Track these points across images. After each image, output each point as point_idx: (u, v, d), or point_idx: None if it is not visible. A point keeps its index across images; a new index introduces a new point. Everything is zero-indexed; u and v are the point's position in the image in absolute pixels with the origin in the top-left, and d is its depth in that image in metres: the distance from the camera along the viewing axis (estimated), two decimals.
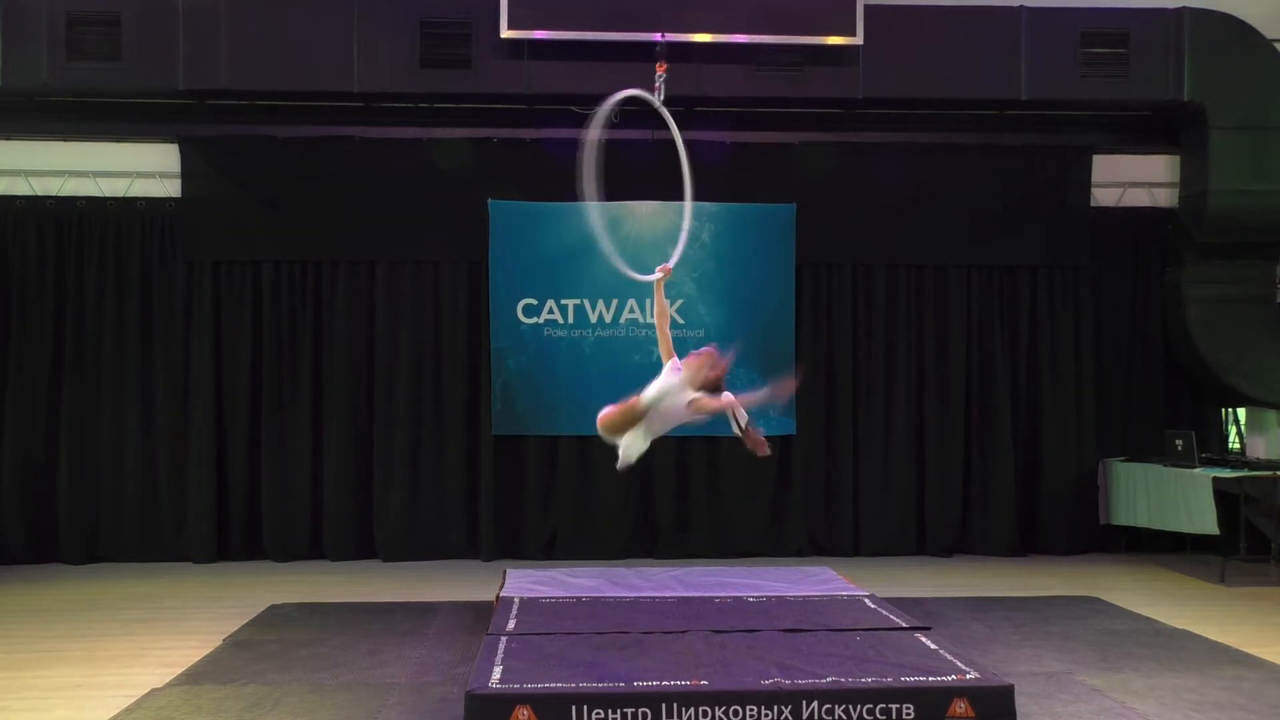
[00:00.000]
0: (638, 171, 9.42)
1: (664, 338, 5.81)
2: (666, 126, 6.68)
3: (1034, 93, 8.89)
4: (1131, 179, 9.87)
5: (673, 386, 5.49)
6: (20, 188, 9.31)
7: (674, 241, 9.27)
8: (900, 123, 9.56)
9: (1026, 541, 9.66)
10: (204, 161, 9.24)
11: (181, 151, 9.26)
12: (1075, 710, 5.13)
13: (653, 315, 9.30)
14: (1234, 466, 8.65)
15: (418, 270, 9.44)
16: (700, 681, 4.87)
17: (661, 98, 6.51)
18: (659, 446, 9.35)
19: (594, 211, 6.12)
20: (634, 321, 9.41)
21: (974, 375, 9.69)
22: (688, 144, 6.70)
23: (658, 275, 5.86)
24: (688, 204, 6.25)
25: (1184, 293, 9.42)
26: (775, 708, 4.70)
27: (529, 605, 6.53)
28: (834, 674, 4.96)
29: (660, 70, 6.34)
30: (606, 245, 6.21)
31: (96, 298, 9.28)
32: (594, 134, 6.01)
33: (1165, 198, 9.82)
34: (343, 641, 6.40)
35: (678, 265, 9.29)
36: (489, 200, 9.32)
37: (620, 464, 5.62)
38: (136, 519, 9.22)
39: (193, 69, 8.47)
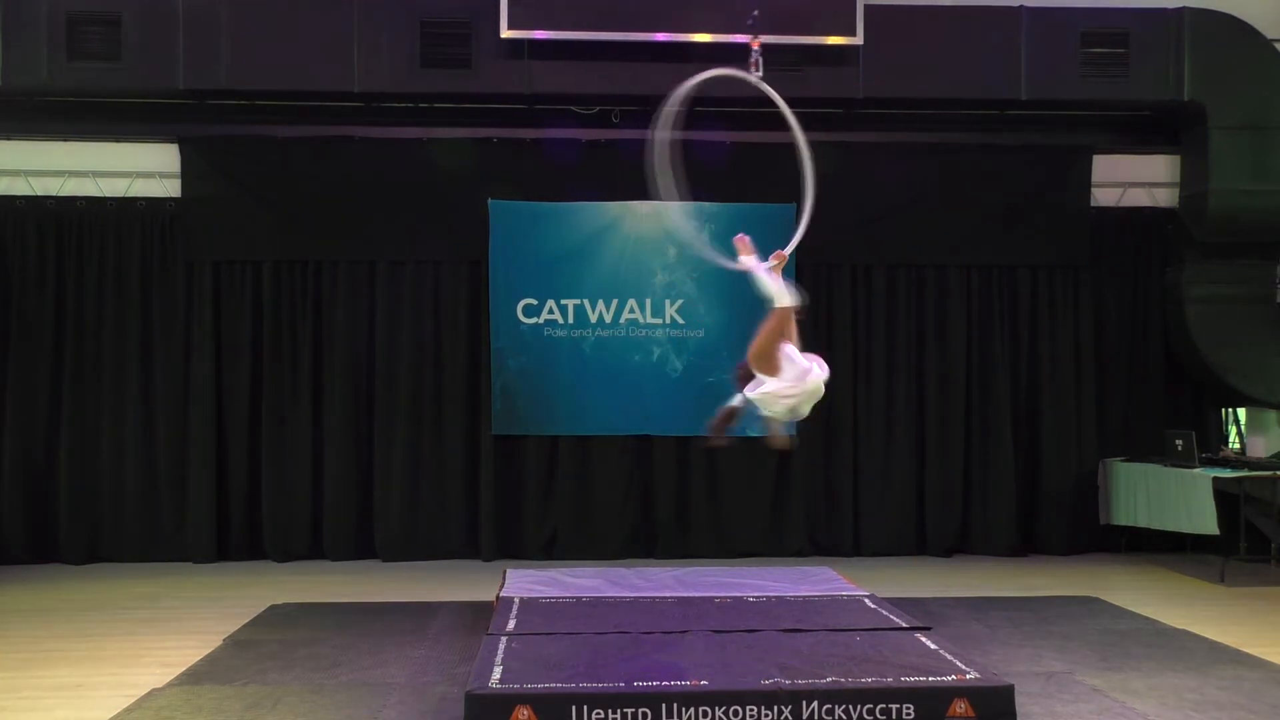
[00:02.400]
0: (639, 170, 9.39)
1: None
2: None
3: (1034, 93, 8.88)
4: (1131, 179, 9.87)
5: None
6: (20, 188, 9.31)
7: (675, 241, 9.39)
8: (900, 123, 9.56)
9: (1027, 541, 9.66)
10: (204, 161, 9.25)
11: (181, 151, 9.26)
12: (1075, 710, 5.13)
13: (652, 316, 9.37)
14: (1234, 466, 8.65)
15: (418, 270, 9.44)
16: (700, 682, 4.87)
17: (760, 73, 6.17)
18: (659, 446, 9.47)
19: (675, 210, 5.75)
20: (634, 321, 9.41)
21: (974, 375, 9.69)
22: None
23: (773, 262, 5.47)
24: (809, 192, 5.94)
25: (1184, 293, 9.42)
26: (775, 708, 4.70)
27: (529, 605, 6.53)
28: (834, 674, 4.96)
29: (755, 45, 6.10)
30: (702, 245, 5.91)
31: (96, 298, 9.29)
32: (664, 134, 5.81)
33: (1165, 198, 9.82)
34: (343, 641, 6.40)
35: (678, 265, 9.44)
36: (489, 200, 9.33)
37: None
38: (137, 519, 9.22)
39: (193, 69, 8.47)
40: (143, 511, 9.23)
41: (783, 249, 5.57)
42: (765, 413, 5.28)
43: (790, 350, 5.23)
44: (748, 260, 5.49)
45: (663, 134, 5.78)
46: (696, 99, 8.81)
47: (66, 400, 9.20)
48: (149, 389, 9.29)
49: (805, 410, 5.32)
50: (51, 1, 8.34)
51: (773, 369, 5.14)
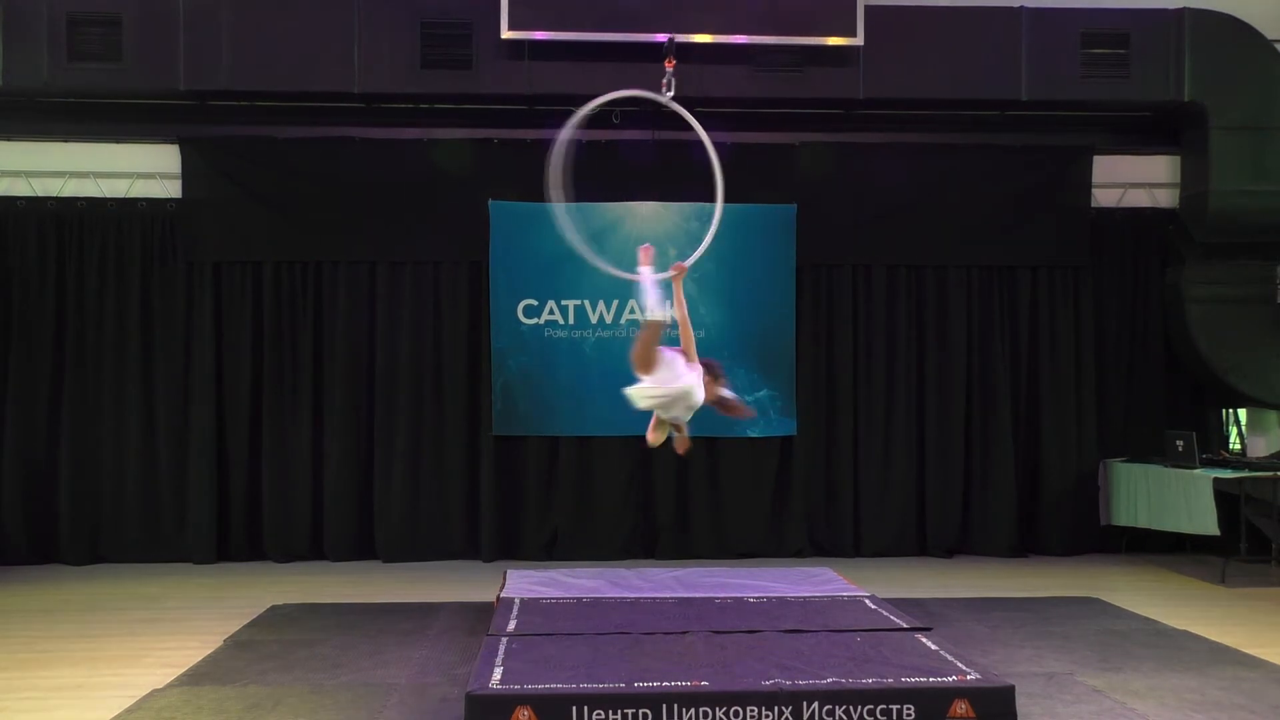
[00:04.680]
0: (638, 172, 9.43)
1: (686, 337, 5.81)
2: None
3: (1034, 93, 8.89)
4: (1132, 179, 9.87)
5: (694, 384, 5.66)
6: (21, 188, 9.31)
7: (674, 242, 9.39)
8: (900, 123, 9.56)
9: (1027, 542, 9.66)
10: (204, 162, 9.25)
11: (182, 152, 9.26)
12: (1076, 711, 5.13)
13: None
14: (1234, 467, 8.65)
15: (418, 271, 9.45)
16: (700, 682, 4.87)
17: (671, 93, 6.49)
18: (659, 447, 9.45)
19: (562, 213, 6.23)
20: (634, 322, 9.39)
21: (974, 376, 9.69)
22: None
23: (670, 273, 5.89)
24: (719, 205, 6.28)
25: (1184, 293, 9.42)
26: (776, 708, 4.71)
27: (529, 606, 6.54)
28: (834, 675, 4.97)
29: (669, 66, 6.36)
30: (584, 249, 6.41)
31: (97, 298, 9.28)
32: (567, 134, 6.20)
33: (1166, 198, 9.82)
34: (343, 642, 6.41)
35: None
36: (489, 201, 9.33)
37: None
38: (137, 520, 9.22)
39: (193, 69, 8.48)
40: (143, 512, 9.23)
41: (684, 261, 5.99)
42: (641, 406, 5.74)
43: (671, 356, 5.66)
44: (644, 271, 5.93)
45: (565, 134, 6.25)
46: (697, 100, 8.87)
47: (67, 401, 9.20)
48: (150, 390, 9.29)
49: (677, 411, 5.76)
50: (52, 2, 8.35)
51: (647, 370, 5.61)
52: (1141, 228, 9.83)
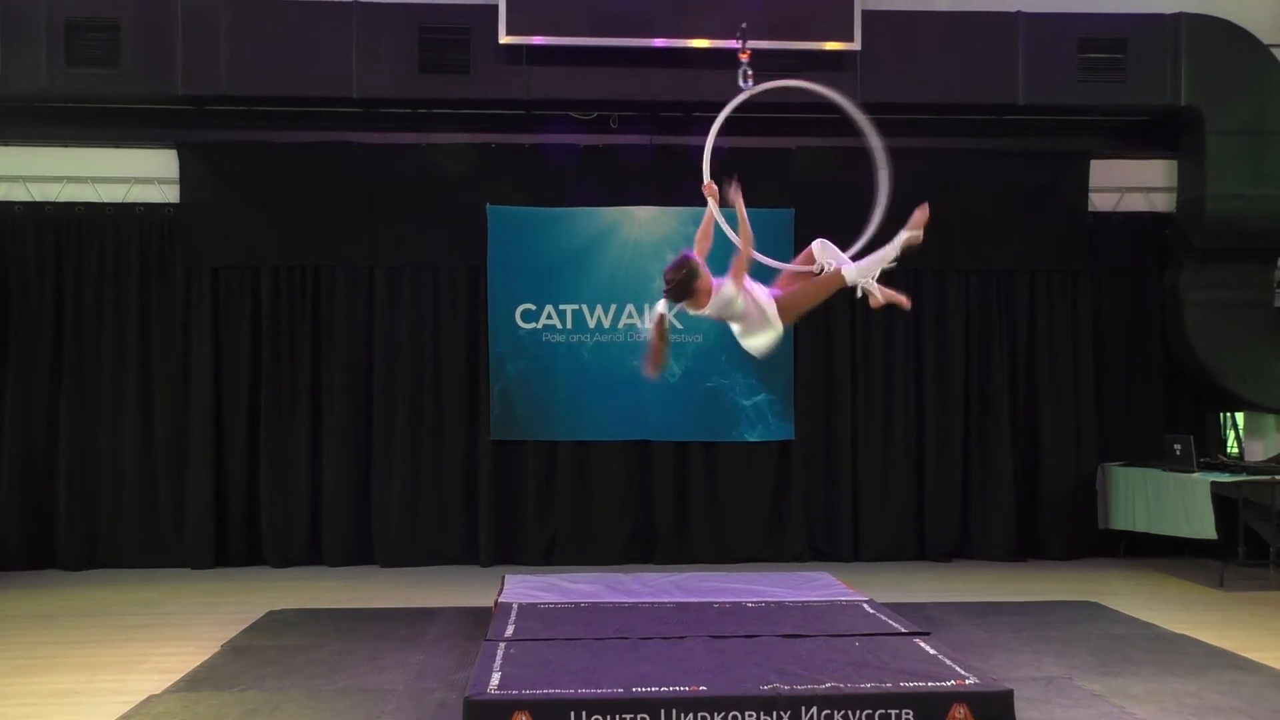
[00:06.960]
0: (637, 176, 9.44)
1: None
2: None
3: (1032, 98, 8.90)
4: (1129, 184, 9.88)
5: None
6: (19, 193, 9.31)
7: (674, 246, 9.38)
8: (898, 128, 9.48)
9: (1026, 546, 9.65)
10: (202, 167, 9.24)
11: (180, 157, 9.26)
12: (1074, 715, 5.13)
13: (650, 321, 9.37)
14: (1232, 471, 8.65)
15: (416, 275, 9.44)
16: (699, 687, 4.86)
17: (750, 85, 6.36)
18: (658, 451, 9.47)
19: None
20: (632, 326, 9.41)
21: (973, 380, 9.69)
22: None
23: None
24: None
25: (1182, 297, 9.43)
26: (774, 713, 4.69)
27: (528, 611, 6.53)
28: (833, 679, 4.95)
29: (744, 57, 6.26)
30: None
31: (95, 303, 9.27)
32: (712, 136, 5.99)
33: (1163, 202, 9.83)
34: (341, 647, 6.39)
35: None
36: (487, 205, 9.33)
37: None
38: (135, 525, 9.20)
39: (192, 75, 8.49)
40: (141, 517, 9.21)
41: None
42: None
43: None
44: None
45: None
46: (694, 104, 8.89)
47: (65, 406, 9.19)
48: (147, 395, 9.28)
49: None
50: (50, 7, 8.35)
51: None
52: (1139, 232, 9.84)
